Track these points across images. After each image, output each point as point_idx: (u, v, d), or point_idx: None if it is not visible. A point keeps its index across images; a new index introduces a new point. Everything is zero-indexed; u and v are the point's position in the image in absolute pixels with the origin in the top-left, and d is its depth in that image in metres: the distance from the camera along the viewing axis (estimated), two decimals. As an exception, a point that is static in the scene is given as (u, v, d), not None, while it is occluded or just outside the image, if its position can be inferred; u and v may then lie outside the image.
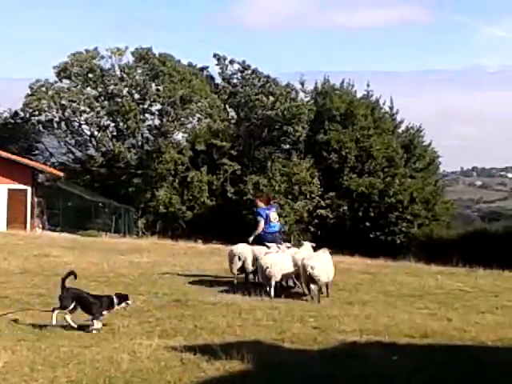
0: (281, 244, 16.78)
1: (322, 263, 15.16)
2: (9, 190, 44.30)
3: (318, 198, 57.25)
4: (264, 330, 11.22)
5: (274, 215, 17.66)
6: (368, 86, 63.41)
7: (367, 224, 55.69)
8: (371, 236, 54.47)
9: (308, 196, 56.92)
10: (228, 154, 60.08)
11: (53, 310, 11.20)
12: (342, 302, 14.69)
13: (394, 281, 19.00)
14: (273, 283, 15.14)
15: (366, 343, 10.53)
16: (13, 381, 8.02)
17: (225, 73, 63.60)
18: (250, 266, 16.75)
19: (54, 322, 11.02)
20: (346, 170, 58.29)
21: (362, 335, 11.05)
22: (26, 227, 43.49)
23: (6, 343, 9.72)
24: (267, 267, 15.23)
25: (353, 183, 57.27)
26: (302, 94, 63.12)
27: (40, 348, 9.56)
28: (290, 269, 15.76)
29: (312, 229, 56.93)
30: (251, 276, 17.08)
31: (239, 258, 16.81)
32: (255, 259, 16.39)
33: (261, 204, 17.98)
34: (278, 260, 15.51)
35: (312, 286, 14.92)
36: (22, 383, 8.00)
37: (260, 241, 17.06)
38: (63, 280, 11.49)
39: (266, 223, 17.43)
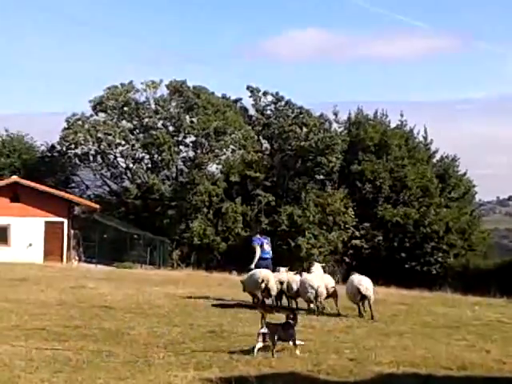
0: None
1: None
2: (46, 222, 44.80)
3: (352, 228, 57.01)
4: (299, 362, 11.14)
5: (266, 245, 20.05)
6: (402, 115, 63.47)
7: (402, 254, 55.28)
8: (406, 266, 54.04)
9: (342, 226, 56.69)
10: (262, 185, 60.19)
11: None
12: (378, 333, 14.55)
13: (431, 312, 18.79)
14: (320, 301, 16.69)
15: (402, 375, 10.42)
16: (50, 413, 8.06)
17: (258, 104, 63.94)
18: (274, 289, 18.04)
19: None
20: (381, 200, 58.06)
21: (399, 367, 10.92)
22: (62, 259, 43.87)
23: (43, 375, 9.78)
24: (318, 286, 16.81)
25: (387, 213, 56.97)
26: (335, 125, 63.31)
27: (77, 380, 9.60)
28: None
29: (347, 259, 56.64)
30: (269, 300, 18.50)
31: (263, 281, 17.85)
32: (280, 282, 18.15)
33: (257, 235, 20.75)
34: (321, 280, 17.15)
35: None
36: (58, 415, 8.02)
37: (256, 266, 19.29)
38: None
39: (261, 251, 19.86)
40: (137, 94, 61.00)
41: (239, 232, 58.07)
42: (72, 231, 46.26)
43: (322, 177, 61.98)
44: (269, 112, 64.02)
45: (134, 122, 60.66)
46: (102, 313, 16.59)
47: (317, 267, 18.35)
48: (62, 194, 47.84)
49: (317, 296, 17.28)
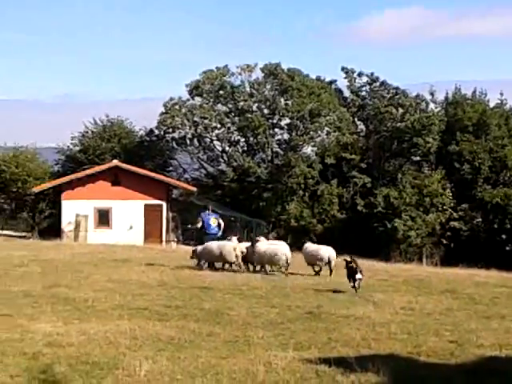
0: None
1: None
2: (145, 205, 45.76)
3: (450, 210, 55.98)
4: (399, 344, 11.10)
5: (212, 220, 25.03)
6: (501, 94, 61.73)
7: (503, 236, 53.94)
8: (507, 249, 52.72)
9: (440, 208, 55.74)
10: (358, 167, 59.75)
11: None
12: (479, 315, 14.31)
13: (534, 294, 18.31)
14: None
15: (505, 358, 10.24)
16: (154, 389, 8.29)
17: (353, 86, 63.35)
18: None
19: None
20: (480, 181, 56.77)
21: (502, 350, 10.74)
22: (161, 241, 44.75)
23: (147, 353, 10.06)
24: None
25: (487, 194, 55.65)
26: (432, 105, 62.08)
27: (179, 358, 9.83)
28: None
29: (444, 241, 55.73)
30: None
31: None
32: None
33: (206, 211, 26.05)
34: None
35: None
36: (162, 392, 8.24)
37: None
38: None
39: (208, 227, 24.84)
40: (232, 77, 61.43)
41: (335, 214, 57.89)
42: (170, 214, 47.08)
43: (418, 158, 61.07)
44: (364, 93, 63.36)
45: (230, 106, 61.11)
46: (202, 293, 16.88)
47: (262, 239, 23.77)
48: (160, 177, 48.76)
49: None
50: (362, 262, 28.51)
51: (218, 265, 23.28)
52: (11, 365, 9.22)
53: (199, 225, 25.33)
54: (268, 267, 22.64)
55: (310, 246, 23.95)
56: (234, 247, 22.71)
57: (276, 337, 11.59)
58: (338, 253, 34.56)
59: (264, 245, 22.90)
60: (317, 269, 22.84)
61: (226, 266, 23.12)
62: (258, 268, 22.96)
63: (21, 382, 8.45)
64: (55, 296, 15.59)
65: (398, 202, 54.76)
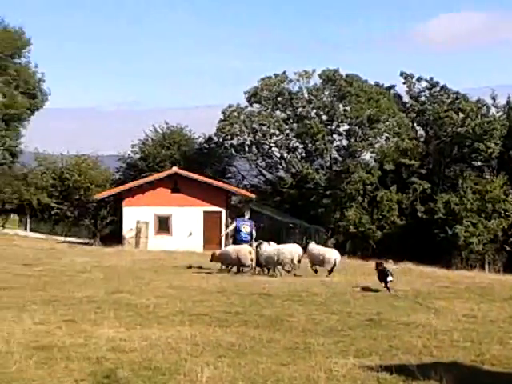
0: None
1: None
2: (205, 212, 46.09)
3: (513, 216, 55.06)
4: (462, 352, 10.94)
5: (244, 228, 25.67)
6: None
7: None
8: None
9: (502, 214, 54.86)
10: (417, 173, 59.23)
11: None
12: (544, 324, 14.02)
13: None
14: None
15: None
16: (216, 395, 8.34)
17: (412, 91, 62.91)
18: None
19: None
20: (544, 186, 55.72)
21: None
22: (221, 248, 44.90)
23: (208, 359, 10.12)
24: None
25: (551, 200, 54.61)
26: (493, 110, 61.30)
27: (239, 364, 9.86)
28: None
29: (507, 248, 54.79)
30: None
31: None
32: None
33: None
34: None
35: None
36: (224, 398, 8.28)
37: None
38: None
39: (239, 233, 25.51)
40: (290, 84, 61.59)
41: (395, 220, 57.46)
42: (229, 220, 47.28)
43: (479, 163, 60.30)
44: (423, 98, 62.88)
45: (288, 112, 61.25)
46: (261, 300, 16.89)
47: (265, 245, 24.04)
48: (219, 184, 49.05)
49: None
50: (422, 269, 28.33)
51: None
52: (76, 369, 9.38)
53: (231, 228, 27.00)
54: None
55: (314, 248, 24.96)
56: (249, 251, 23.45)
57: (336, 344, 11.54)
58: (399, 259, 34.39)
59: (270, 247, 24.12)
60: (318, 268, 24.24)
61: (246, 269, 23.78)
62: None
63: (85, 387, 8.60)
64: (117, 302, 15.80)
65: (458, 208, 54.09)
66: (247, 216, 29.88)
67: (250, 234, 26.08)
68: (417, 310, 15.56)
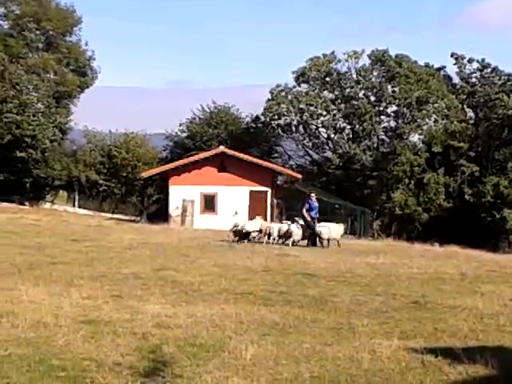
0: None
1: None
2: (250, 191, 46.12)
3: None
4: (508, 336, 10.85)
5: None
6: None
7: None
8: None
9: (552, 198, 53.95)
10: (466, 156, 58.46)
11: None
12: None
13: None
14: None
15: None
16: (259, 373, 8.39)
17: (463, 72, 61.96)
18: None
19: None
20: None
21: None
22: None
23: (253, 337, 10.19)
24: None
25: None
26: (546, 91, 59.98)
27: (283, 343, 9.91)
28: None
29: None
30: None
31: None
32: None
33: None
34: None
35: None
36: (267, 376, 8.33)
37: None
38: None
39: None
40: (338, 64, 61.05)
41: (441, 203, 56.88)
42: (275, 200, 47.30)
43: (530, 146, 59.25)
44: (474, 80, 61.88)
45: (336, 93, 60.81)
46: (306, 280, 16.96)
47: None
48: (266, 163, 48.99)
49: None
50: (469, 252, 28.08)
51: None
52: (122, 344, 9.52)
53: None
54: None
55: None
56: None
57: (380, 325, 11.53)
58: (445, 242, 34.08)
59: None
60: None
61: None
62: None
63: (131, 361, 8.71)
64: (163, 279, 15.98)
65: (508, 191, 53.34)
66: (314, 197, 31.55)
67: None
68: (463, 293, 15.46)
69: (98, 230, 32.86)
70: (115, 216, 53.07)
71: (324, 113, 60.63)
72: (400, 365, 8.88)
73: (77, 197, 59.46)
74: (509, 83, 59.18)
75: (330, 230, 28.90)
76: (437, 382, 8.26)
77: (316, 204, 30.70)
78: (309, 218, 29.43)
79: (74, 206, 58.59)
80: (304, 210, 29.94)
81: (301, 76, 60.44)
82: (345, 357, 9.21)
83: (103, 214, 53.47)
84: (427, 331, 11.15)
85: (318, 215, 30.41)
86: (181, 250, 22.91)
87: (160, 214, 48.67)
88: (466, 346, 9.91)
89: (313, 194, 32.08)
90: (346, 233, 30.82)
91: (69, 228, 32.76)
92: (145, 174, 50.84)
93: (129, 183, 57.79)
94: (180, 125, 63.26)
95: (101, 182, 57.61)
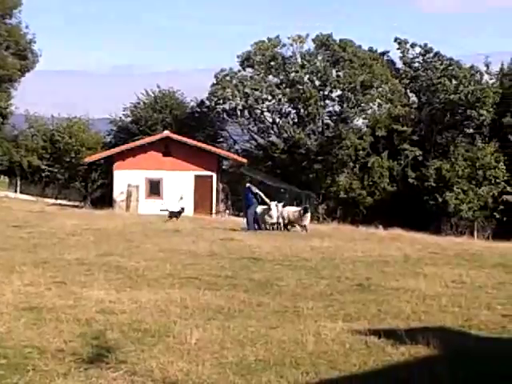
0: None
1: None
2: (196, 176, 46.01)
3: (503, 183, 55.21)
4: (450, 317, 11.01)
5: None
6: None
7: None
8: None
9: (493, 181, 55.02)
10: (409, 140, 59.20)
11: None
12: (532, 290, 14.11)
13: None
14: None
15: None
16: (205, 357, 8.36)
17: (406, 57, 62.60)
18: None
19: None
20: (535, 153, 55.85)
21: (556, 325, 10.57)
22: (211, 212, 44.99)
23: (198, 321, 10.15)
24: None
25: (542, 168, 54.82)
26: (486, 77, 61.09)
27: (229, 327, 9.89)
28: None
29: (497, 215, 55.05)
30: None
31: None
32: None
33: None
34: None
35: None
36: (212, 360, 8.30)
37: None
38: None
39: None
40: (283, 48, 61.16)
41: (385, 186, 57.57)
42: (221, 185, 47.29)
43: (471, 130, 60.28)
44: (417, 64, 62.60)
45: (281, 77, 60.91)
46: (251, 264, 16.97)
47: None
48: (211, 148, 48.91)
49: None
50: (412, 235, 28.45)
51: None
52: (65, 331, 9.39)
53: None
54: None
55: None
56: None
57: (325, 308, 11.60)
58: (389, 225, 34.49)
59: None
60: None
61: None
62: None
63: (75, 348, 8.60)
64: (107, 264, 15.82)
65: (449, 174, 54.23)
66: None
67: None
68: (406, 275, 15.64)
69: (41, 215, 32.37)
70: (58, 201, 52.41)
71: (269, 97, 60.73)
72: (344, 346, 8.94)
73: (19, 182, 58.54)
74: (450, 68, 59.99)
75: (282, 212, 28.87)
76: (380, 362, 8.34)
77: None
78: (267, 200, 29.56)
79: (15, 191, 57.68)
80: (263, 195, 30.08)
81: (246, 60, 60.39)
82: (290, 340, 9.23)
83: (46, 200, 52.73)
84: (371, 313, 11.25)
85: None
86: (125, 236, 22.72)
87: (104, 200, 48.26)
88: (409, 327, 10.02)
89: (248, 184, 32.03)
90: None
91: (10, 214, 32.22)
92: (88, 159, 50.29)
93: (72, 168, 57.10)
94: (124, 109, 62.79)
95: (43, 167, 56.83)
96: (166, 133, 47.95)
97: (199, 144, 48.03)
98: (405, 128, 58.98)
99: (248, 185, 30.80)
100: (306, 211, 28.69)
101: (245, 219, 29.62)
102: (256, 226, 28.58)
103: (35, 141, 57.52)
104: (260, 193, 30.08)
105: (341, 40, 60.37)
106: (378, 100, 59.79)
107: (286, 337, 9.39)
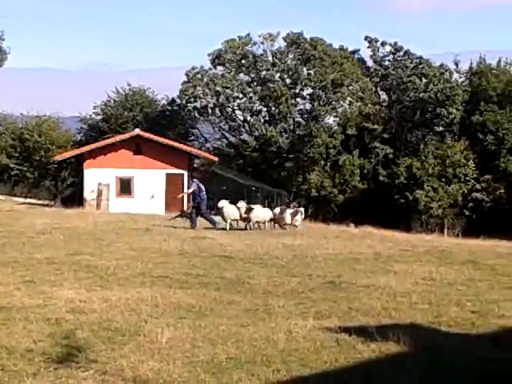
0: None
1: None
2: (167, 174, 45.86)
3: (473, 180, 55.74)
4: (420, 313, 11.10)
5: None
6: (527, 64, 60.99)
7: (526, 208, 53.62)
8: (531, 220, 52.41)
9: (462, 179, 55.51)
10: (380, 138, 59.52)
11: None
12: (501, 286, 14.26)
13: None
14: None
15: (527, 329, 10.20)
16: (176, 356, 8.34)
17: (376, 55, 62.89)
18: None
19: None
20: (503, 151, 56.40)
21: (523, 321, 10.70)
22: (183, 211, 44.77)
23: (169, 320, 10.12)
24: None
25: (510, 165, 55.31)
26: (456, 75, 61.63)
27: (200, 326, 9.88)
28: None
29: (467, 212, 55.54)
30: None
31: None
32: None
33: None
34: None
35: None
36: (183, 358, 8.28)
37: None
38: None
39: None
40: (254, 46, 61.13)
41: (356, 184, 57.83)
42: (191, 182, 47.14)
43: (441, 128, 60.74)
44: (387, 63, 62.91)
45: (252, 75, 60.88)
46: (223, 262, 16.96)
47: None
48: (182, 146, 48.76)
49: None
50: (383, 233, 28.63)
51: None
52: (34, 330, 9.32)
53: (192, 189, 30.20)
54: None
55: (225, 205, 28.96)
56: None
57: (296, 306, 11.62)
58: (360, 223, 34.66)
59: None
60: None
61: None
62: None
63: (44, 347, 8.53)
64: (78, 263, 15.71)
65: (420, 172, 54.58)
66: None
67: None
68: (377, 272, 15.73)
69: (10, 214, 32.06)
70: (28, 200, 51.96)
71: (240, 95, 60.70)
72: (315, 344, 8.96)
73: (-13, 181, 57.92)
74: (420, 66, 60.39)
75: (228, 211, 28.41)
76: (351, 359, 8.37)
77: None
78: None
79: (-16, 190, 57.07)
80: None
81: (217, 58, 60.29)
82: (261, 338, 9.24)
83: (15, 199, 52.27)
84: (342, 310, 11.30)
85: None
86: (96, 235, 22.58)
87: (75, 198, 47.90)
88: (380, 324, 10.07)
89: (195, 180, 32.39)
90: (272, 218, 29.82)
91: (-21, 213, 31.87)
92: (58, 157, 49.88)
93: (42, 167, 56.53)
94: (94, 107, 62.31)
95: (12, 165, 56.18)
96: (137, 131, 47.72)
97: (170, 142, 47.87)
98: (375, 126, 59.27)
99: (195, 181, 31.12)
100: (296, 213, 29.08)
101: (217, 217, 29.54)
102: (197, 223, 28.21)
103: (4, 139, 56.89)
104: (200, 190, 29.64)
105: (311, 38, 60.47)
106: (348, 98, 59.98)
107: (257, 335, 9.40)
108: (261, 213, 29.40)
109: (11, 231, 22.78)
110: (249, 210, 28.56)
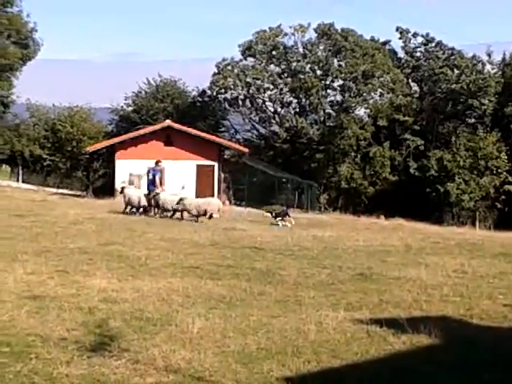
0: None
1: None
2: (197, 165, 45.93)
3: (505, 173, 55.15)
4: (451, 306, 11.05)
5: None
6: None
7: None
8: None
9: (494, 171, 54.95)
10: (411, 129, 59.09)
11: None
12: (533, 280, 14.14)
13: None
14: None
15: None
16: (207, 346, 8.40)
17: (408, 46, 62.39)
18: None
19: None
20: (537, 143, 55.77)
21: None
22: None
23: (200, 310, 10.19)
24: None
25: (544, 158, 54.77)
26: (488, 66, 60.85)
27: (230, 316, 9.94)
28: None
29: (498, 205, 55.03)
30: None
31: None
32: None
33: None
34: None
35: None
36: (214, 348, 8.34)
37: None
38: None
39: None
40: (285, 37, 60.94)
41: (387, 176, 57.50)
42: (222, 174, 47.20)
43: (473, 120, 60.14)
44: (418, 54, 62.38)
45: (282, 66, 60.75)
46: (253, 253, 17.00)
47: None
48: (212, 137, 48.79)
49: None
50: (414, 225, 28.48)
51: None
52: (68, 319, 9.43)
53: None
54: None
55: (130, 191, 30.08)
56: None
57: (327, 297, 11.63)
58: (390, 215, 34.50)
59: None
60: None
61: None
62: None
63: (77, 336, 8.64)
64: (110, 253, 15.85)
65: (451, 164, 54.12)
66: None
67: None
68: (407, 265, 15.68)
69: (43, 204, 32.36)
70: (60, 191, 52.36)
71: (271, 87, 60.61)
72: (346, 335, 8.98)
73: (20, 171, 58.48)
74: (452, 57, 59.82)
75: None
76: (381, 351, 8.38)
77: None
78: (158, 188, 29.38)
79: (17, 180, 57.59)
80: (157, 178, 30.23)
81: (247, 50, 60.20)
82: (291, 329, 9.28)
83: (48, 189, 52.64)
84: (372, 302, 11.29)
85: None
86: (127, 225, 22.74)
87: (106, 189, 48.16)
88: (410, 316, 10.07)
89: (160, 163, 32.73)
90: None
91: (12, 203, 32.18)
92: (90, 149, 50.15)
93: (74, 158, 57.00)
94: (126, 98, 62.63)
95: (45, 156, 56.71)
96: (168, 122, 47.81)
97: (201, 133, 47.90)
98: (406, 118, 58.85)
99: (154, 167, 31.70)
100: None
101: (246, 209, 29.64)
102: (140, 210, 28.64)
103: (37, 130, 57.41)
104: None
105: (342, 29, 60.18)
106: (379, 90, 59.64)
107: (287, 326, 9.44)
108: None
109: (44, 221, 23.02)
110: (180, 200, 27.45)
